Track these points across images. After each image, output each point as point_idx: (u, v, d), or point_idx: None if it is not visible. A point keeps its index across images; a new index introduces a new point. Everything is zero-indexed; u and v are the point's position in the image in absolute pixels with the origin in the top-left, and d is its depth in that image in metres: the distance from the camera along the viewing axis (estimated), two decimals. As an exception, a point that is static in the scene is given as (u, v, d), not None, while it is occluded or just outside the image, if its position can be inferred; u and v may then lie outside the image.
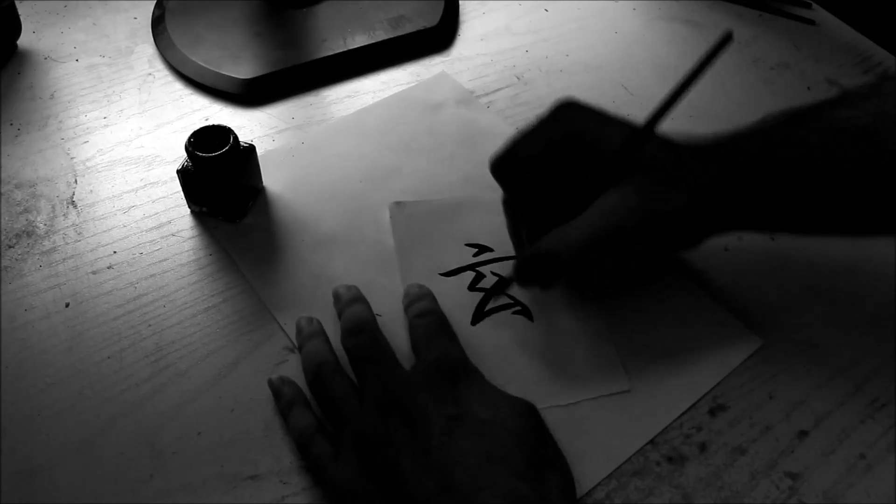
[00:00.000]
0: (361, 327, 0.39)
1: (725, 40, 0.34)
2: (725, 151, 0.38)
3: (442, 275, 0.44)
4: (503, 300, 0.43)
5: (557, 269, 0.38)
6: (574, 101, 0.39)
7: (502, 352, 0.41)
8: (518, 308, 0.43)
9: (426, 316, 0.40)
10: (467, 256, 0.45)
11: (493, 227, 0.46)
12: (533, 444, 0.34)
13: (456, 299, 0.43)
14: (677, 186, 0.37)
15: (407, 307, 0.41)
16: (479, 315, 0.42)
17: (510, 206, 0.43)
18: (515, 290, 0.43)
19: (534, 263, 0.38)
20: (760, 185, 0.37)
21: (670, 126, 0.39)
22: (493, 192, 0.42)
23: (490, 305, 0.43)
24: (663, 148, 0.38)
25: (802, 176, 0.37)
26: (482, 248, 0.45)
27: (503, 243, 0.45)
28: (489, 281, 0.44)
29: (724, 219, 0.39)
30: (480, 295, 0.43)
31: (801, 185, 0.37)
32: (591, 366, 0.40)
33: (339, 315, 0.41)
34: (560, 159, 0.38)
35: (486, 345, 0.41)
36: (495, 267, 0.45)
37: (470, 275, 0.44)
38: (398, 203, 0.47)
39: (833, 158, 0.36)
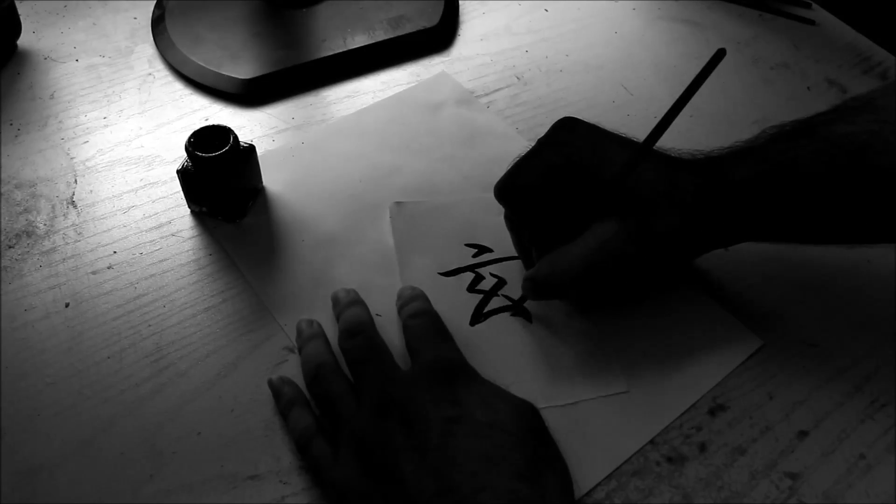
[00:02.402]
0: (359, 329, 0.39)
1: (718, 57, 0.35)
2: (720, 168, 0.38)
3: (441, 275, 0.44)
4: (502, 302, 0.43)
5: (552, 294, 0.40)
6: (572, 121, 0.40)
7: (500, 353, 0.41)
8: (518, 309, 0.43)
9: (420, 317, 0.40)
10: (467, 257, 0.45)
11: (493, 228, 0.46)
12: (532, 445, 0.34)
13: (455, 300, 0.43)
14: (672, 208, 0.37)
15: (400, 308, 0.41)
16: (477, 316, 0.42)
17: (513, 222, 0.43)
18: (513, 292, 0.43)
19: (531, 289, 0.40)
20: (755, 203, 0.37)
21: (671, 127, 0.40)
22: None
23: (489, 307, 0.43)
24: (658, 167, 0.38)
25: (796, 193, 0.37)
26: (482, 249, 0.45)
27: (503, 243, 0.45)
28: (488, 282, 0.44)
29: (720, 235, 0.39)
30: (479, 296, 0.43)
31: (796, 201, 0.37)
32: (589, 367, 0.40)
33: (338, 318, 0.41)
34: (560, 182, 0.38)
35: (484, 346, 0.41)
36: (495, 268, 0.45)
37: (469, 275, 0.44)
38: (398, 203, 0.47)
39: (827, 176, 0.36)
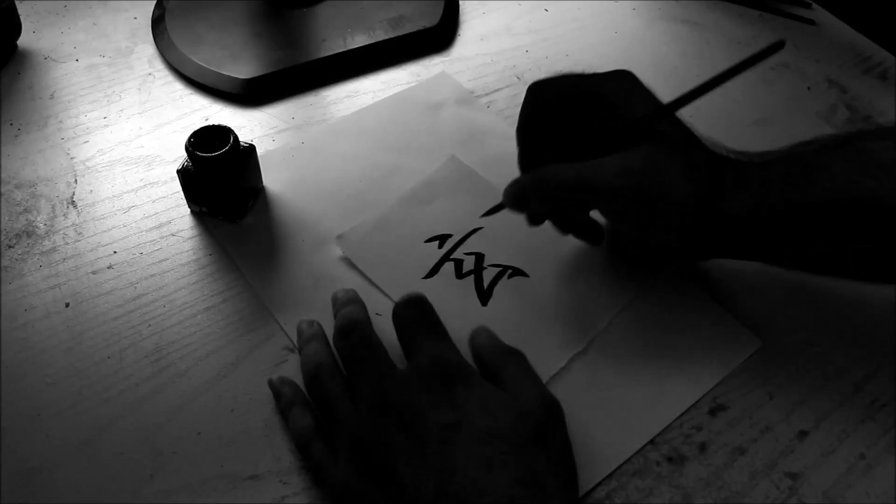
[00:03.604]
0: (352, 327, 0.38)
1: (777, 47, 0.34)
2: (756, 171, 0.38)
3: (424, 278, 0.44)
4: (494, 271, 0.44)
5: (546, 196, 0.39)
6: (631, 74, 0.40)
7: (517, 317, 0.42)
8: (511, 271, 0.44)
9: (409, 307, 0.39)
10: (434, 251, 0.45)
11: (438, 214, 0.47)
12: (533, 450, 0.33)
13: (452, 292, 0.43)
14: (691, 178, 0.37)
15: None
16: (485, 294, 0.43)
17: (524, 134, 0.42)
18: (499, 257, 0.45)
19: (529, 184, 0.40)
20: (776, 222, 0.37)
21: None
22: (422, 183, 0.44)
23: (487, 281, 0.43)
24: (690, 138, 0.39)
25: (820, 211, 0.36)
26: (442, 238, 0.46)
27: (457, 223, 0.46)
28: (469, 262, 0.44)
29: (739, 236, 0.38)
30: (471, 278, 0.44)
31: (817, 222, 0.36)
32: (590, 302, 0.43)
33: (335, 318, 0.41)
34: (584, 107, 0.39)
35: (501, 317, 0.42)
36: (466, 247, 0.45)
37: (450, 265, 0.44)
38: (340, 236, 0.46)
39: (855, 190, 0.35)
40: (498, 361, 0.38)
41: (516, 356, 0.38)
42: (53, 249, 0.45)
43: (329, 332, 0.41)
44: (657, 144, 0.37)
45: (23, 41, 0.57)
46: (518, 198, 0.40)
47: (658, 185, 0.37)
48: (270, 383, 0.39)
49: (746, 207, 0.37)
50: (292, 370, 0.40)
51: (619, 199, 0.37)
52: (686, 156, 0.38)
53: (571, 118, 0.40)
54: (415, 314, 0.39)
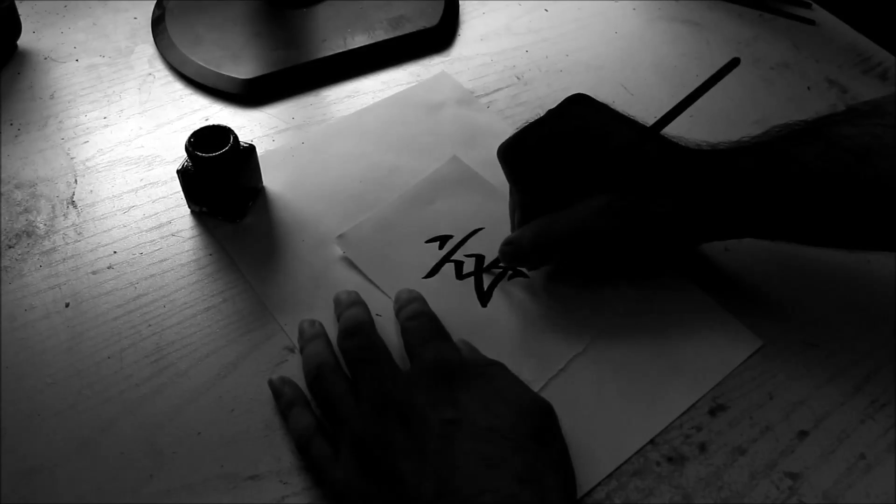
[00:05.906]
0: (357, 329, 0.39)
1: (732, 65, 0.36)
2: (724, 159, 0.38)
3: (424, 278, 0.44)
4: (496, 272, 0.44)
5: (531, 258, 0.42)
6: (584, 96, 0.40)
7: (517, 318, 0.42)
8: (511, 272, 0.44)
9: (418, 318, 0.40)
10: (434, 251, 0.45)
11: (439, 215, 0.46)
12: (532, 449, 0.34)
13: (452, 294, 0.43)
14: (668, 191, 0.38)
15: (398, 311, 0.41)
16: (485, 296, 0.43)
17: (523, 194, 0.43)
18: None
19: (510, 252, 0.41)
20: (755, 194, 0.38)
21: (672, 124, 0.40)
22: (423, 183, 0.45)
23: (488, 283, 0.43)
24: (663, 150, 0.39)
25: (796, 189, 0.37)
26: (443, 239, 0.46)
27: (458, 223, 0.46)
28: (470, 264, 0.44)
29: (716, 225, 0.39)
30: (471, 279, 0.44)
31: (795, 197, 0.37)
32: (589, 304, 0.43)
33: (338, 319, 0.41)
34: (562, 151, 0.39)
35: (501, 319, 0.42)
36: (465, 249, 0.45)
37: (450, 266, 0.44)
38: (340, 236, 0.46)
39: (827, 175, 0.37)
40: (483, 372, 0.38)
41: (498, 366, 0.38)
42: (53, 249, 0.45)
43: (330, 332, 0.41)
44: (641, 174, 0.38)
45: (23, 41, 0.57)
46: (515, 257, 0.42)
47: (652, 215, 0.38)
48: (271, 383, 0.39)
49: (741, 215, 0.38)
50: (292, 370, 0.40)
51: (614, 239, 0.39)
52: (669, 176, 0.39)
53: (552, 166, 0.40)
54: (421, 323, 0.40)
